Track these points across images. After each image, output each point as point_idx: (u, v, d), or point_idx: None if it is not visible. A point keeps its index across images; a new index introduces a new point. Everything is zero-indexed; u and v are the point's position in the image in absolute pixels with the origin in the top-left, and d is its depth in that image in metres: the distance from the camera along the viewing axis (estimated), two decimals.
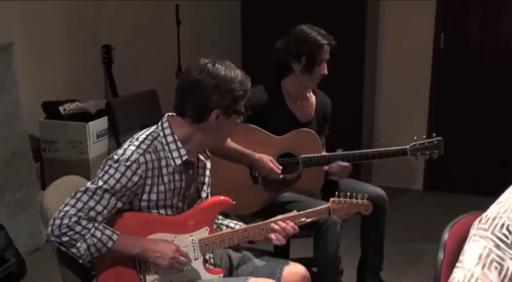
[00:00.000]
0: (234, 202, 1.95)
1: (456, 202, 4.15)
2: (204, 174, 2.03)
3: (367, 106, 4.34)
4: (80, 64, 4.48)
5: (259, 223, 1.97)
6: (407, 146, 2.62)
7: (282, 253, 2.66)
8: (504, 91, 4.28)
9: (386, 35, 4.48)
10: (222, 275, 1.95)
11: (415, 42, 4.43)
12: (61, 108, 3.90)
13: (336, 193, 2.06)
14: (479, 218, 1.38)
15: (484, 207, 1.42)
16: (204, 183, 2.03)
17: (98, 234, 1.74)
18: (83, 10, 4.49)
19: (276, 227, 1.94)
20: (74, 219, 1.72)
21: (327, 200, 2.49)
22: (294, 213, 2.00)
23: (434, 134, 2.64)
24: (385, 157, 2.65)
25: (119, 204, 1.80)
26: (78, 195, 1.76)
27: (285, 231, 1.95)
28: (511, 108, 4.29)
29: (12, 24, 3.78)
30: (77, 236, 1.72)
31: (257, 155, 2.60)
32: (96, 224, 1.75)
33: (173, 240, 1.87)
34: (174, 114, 1.90)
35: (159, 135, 1.87)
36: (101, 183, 1.76)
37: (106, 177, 1.77)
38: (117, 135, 3.92)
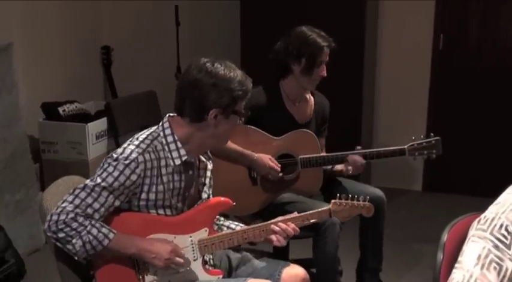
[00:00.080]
0: (234, 203, 1.95)
1: (455, 203, 4.16)
2: (204, 176, 2.03)
3: (366, 106, 4.34)
4: (79, 65, 4.49)
5: (259, 224, 1.97)
6: (406, 146, 2.63)
7: (281, 254, 2.66)
8: (503, 91, 4.29)
9: (385, 35, 4.48)
10: (221, 276, 1.95)
11: (414, 42, 4.43)
12: (60, 109, 3.90)
13: (338, 195, 2.05)
14: (478, 219, 1.38)
15: (483, 208, 1.42)
16: (204, 184, 2.03)
17: (94, 231, 1.74)
18: (82, 11, 4.49)
19: (277, 228, 1.94)
20: (70, 215, 1.73)
21: (327, 201, 2.49)
22: (295, 214, 2.00)
23: (432, 134, 2.65)
24: (383, 157, 2.65)
25: (117, 203, 1.80)
26: (77, 191, 1.77)
27: (285, 232, 1.94)
28: (511, 108, 4.29)
29: (11, 25, 3.79)
30: (73, 232, 1.73)
31: (256, 155, 2.60)
32: (93, 222, 1.75)
33: (172, 241, 1.87)
34: (175, 114, 1.90)
35: (159, 135, 1.87)
36: (99, 180, 1.77)
37: (104, 175, 1.77)
38: (116, 136, 3.92)
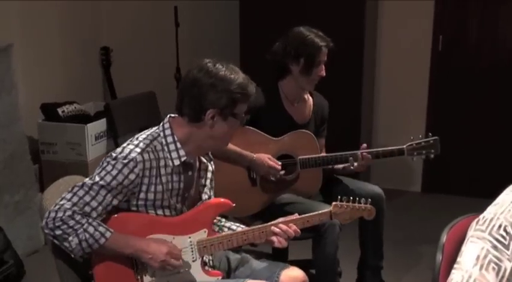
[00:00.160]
0: (234, 204, 1.95)
1: (454, 204, 4.16)
2: (205, 177, 2.03)
3: (365, 106, 4.34)
4: (79, 66, 4.49)
5: (259, 226, 1.96)
6: (404, 146, 2.63)
7: (280, 255, 2.67)
8: (503, 92, 4.29)
9: (384, 35, 4.49)
10: (220, 277, 1.94)
11: (414, 43, 4.44)
12: (59, 110, 3.90)
13: (339, 197, 2.04)
14: (476, 219, 1.38)
15: (482, 209, 1.42)
16: (205, 185, 2.03)
17: (91, 229, 1.74)
18: (81, 12, 4.50)
19: (277, 229, 1.94)
20: (68, 213, 1.73)
21: (325, 200, 2.49)
22: (295, 216, 2.00)
23: (430, 134, 2.65)
24: (382, 157, 2.65)
25: (115, 202, 1.80)
26: (75, 189, 1.77)
27: (286, 233, 1.94)
28: (510, 109, 4.30)
29: (11, 26, 3.79)
30: (70, 230, 1.73)
31: (255, 155, 2.60)
32: (90, 220, 1.75)
33: (171, 242, 1.87)
34: (176, 115, 1.90)
35: (159, 135, 1.87)
36: (97, 179, 1.77)
37: (103, 173, 1.78)
38: (115, 137, 3.92)
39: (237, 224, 2.09)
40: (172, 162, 1.86)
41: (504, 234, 1.32)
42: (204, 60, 1.86)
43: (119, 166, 1.78)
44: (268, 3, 4.21)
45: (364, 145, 2.68)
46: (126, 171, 1.78)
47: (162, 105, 4.27)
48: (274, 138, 2.66)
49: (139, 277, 1.85)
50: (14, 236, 3.25)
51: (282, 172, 2.63)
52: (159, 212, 1.88)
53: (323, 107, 2.85)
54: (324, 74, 2.65)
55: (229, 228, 2.06)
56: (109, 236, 1.77)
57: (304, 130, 2.70)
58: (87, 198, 1.76)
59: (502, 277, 1.29)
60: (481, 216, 1.38)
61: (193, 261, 1.90)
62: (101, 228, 1.76)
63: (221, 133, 1.88)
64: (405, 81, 4.52)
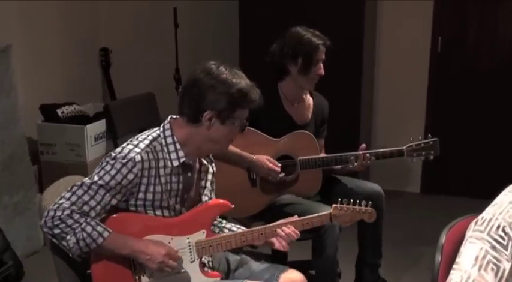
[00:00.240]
0: (233, 206, 1.94)
1: (453, 205, 4.16)
2: (206, 179, 2.03)
3: (365, 107, 4.35)
4: (78, 67, 4.49)
5: (259, 227, 1.96)
6: (404, 147, 2.63)
7: (280, 256, 2.67)
8: (501, 93, 4.29)
9: (383, 36, 4.49)
10: (219, 279, 1.94)
11: (413, 43, 4.44)
12: (59, 111, 3.90)
13: (339, 199, 2.03)
14: (475, 220, 1.39)
15: (481, 209, 1.42)
16: (205, 187, 2.03)
17: (89, 229, 1.74)
18: (80, 13, 4.50)
19: (281, 232, 1.93)
20: (66, 212, 1.74)
21: (325, 201, 2.48)
22: (295, 218, 2.00)
23: (430, 135, 2.66)
24: (382, 158, 2.66)
25: (114, 201, 1.81)
26: (74, 189, 1.78)
27: (288, 237, 1.94)
28: (509, 111, 4.30)
29: (10, 27, 3.79)
30: (68, 229, 1.74)
31: (254, 157, 2.61)
32: (88, 219, 1.76)
33: (169, 242, 1.87)
34: (178, 117, 1.91)
35: (159, 136, 1.88)
36: (96, 178, 1.78)
37: (102, 173, 1.78)
38: (115, 138, 3.92)
39: (238, 226, 2.08)
40: (172, 163, 1.86)
41: (503, 234, 1.32)
42: (210, 62, 1.87)
43: (118, 166, 1.78)
44: (268, 4, 4.22)
45: (363, 145, 2.68)
46: (124, 171, 1.78)
47: (161, 106, 4.27)
48: (274, 139, 2.66)
49: (137, 277, 1.85)
50: (13, 237, 3.25)
51: (282, 175, 2.63)
52: (158, 212, 1.88)
53: (323, 107, 2.85)
54: (323, 73, 2.65)
55: (229, 230, 2.05)
56: (107, 235, 1.77)
57: (304, 131, 2.70)
58: (86, 198, 1.76)
59: (501, 277, 1.29)
60: (479, 217, 1.38)
61: (192, 262, 1.90)
62: (98, 228, 1.76)
63: (219, 136, 1.87)
64: (404, 82, 4.53)
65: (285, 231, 1.94)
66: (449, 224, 1.60)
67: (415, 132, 4.01)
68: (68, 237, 1.74)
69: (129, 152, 1.80)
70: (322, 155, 2.74)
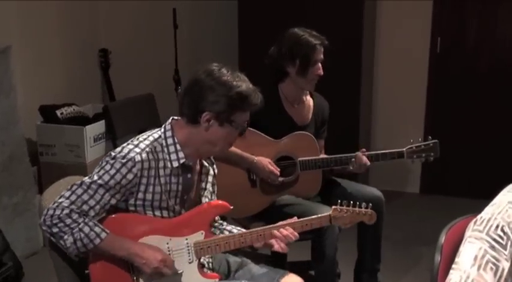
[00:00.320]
0: (232, 207, 1.94)
1: (453, 205, 4.15)
2: (206, 180, 2.03)
3: (364, 108, 4.35)
4: (77, 68, 4.49)
5: (258, 229, 1.95)
6: (404, 149, 2.63)
7: (279, 257, 2.67)
8: (501, 94, 4.30)
9: (383, 36, 4.49)
10: (217, 280, 1.94)
11: (412, 43, 4.44)
12: (58, 112, 3.90)
13: (339, 201, 2.02)
14: (474, 220, 1.39)
15: (480, 210, 1.42)
16: (205, 189, 2.02)
17: (86, 229, 1.75)
18: (80, 14, 4.50)
19: (278, 234, 1.93)
20: (66, 211, 1.74)
21: (324, 201, 2.47)
22: (294, 219, 1.99)
23: (430, 137, 2.66)
24: (382, 160, 2.66)
25: (113, 201, 1.81)
26: (74, 188, 1.78)
27: (286, 238, 1.93)
28: (508, 111, 4.30)
29: (9, 28, 3.79)
30: (66, 228, 1.74)
31: (255, 158, 2.61)
32: (86, 220, 1.76)
33: (168, 243, 1.87)
34: (179, 118, 1.91)
35: (160, 136, 1.88)
36: (95, 177, 1.78)
37: (101, 172, 1.79)
38: (114, 139, 3.92)
39: (239, 228, 2.08)
40: (171, 164, 1.86)
41: (501, 234, 1.32)
42: (213, 63, 1.87)
43: (117, 165, 1.78)
44: (267, 5, 4.22)
45: (363, 150, 2.68)
46: (124, 170, 1.78)
47: (160, 107, 4.27)
48: (274, 140, 2.66)
49: (135, 278, 1.85)
50: (12, 238, 3.25)
51: (281, 179, 2.63)
52: (157, 213, 1.88)
53: (323, 108, 2.85)
54: (322, 73, 2.64)
55: (230, 232, 2.05)
56: (104, 237, 1.77)
57: (304, 132, 2.70)
58: (85, 197, 1.77)
59: (500, 277, 1.29)
60: (478, 217, 1.39)
61: (190, 263, 1.90)
62: (96, 229, 1.76)
63: (217, 138, 1.87)
64: (403, 82, 4.53)
65: (282, 233, 1.93)
66: (448, 224, 1.60)
67: (415, 132, 4.02)
68: (66, 236, 1.74)
69: (129, 152, 1.81)
70: (323, 156, 2.74)
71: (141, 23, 4.81)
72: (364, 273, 2.88)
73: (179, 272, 1.88)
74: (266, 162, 2.60)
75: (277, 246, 1.94)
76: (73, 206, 1.75)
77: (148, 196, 1.85)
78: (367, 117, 4.54)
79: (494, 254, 1.31)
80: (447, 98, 4.43)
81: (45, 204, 1.87)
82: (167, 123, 1.91)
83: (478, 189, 4.14)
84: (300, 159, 2.65)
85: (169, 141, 1.87)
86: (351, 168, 2.64)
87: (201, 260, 1.96)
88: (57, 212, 1.74)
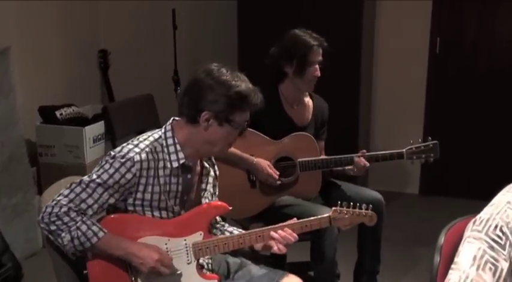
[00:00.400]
0: (231, 208, 1.94)
1: (452, 206, 4.15)
2: (206, 182, 2.02)
3: (363, 108, 4.35)
4: (77, 69, 4.49)
5: (257, 230, 1.95)
6: (404, 150, 2.63)
7: (278, 258, 2.66)
8: (500, 94, 4.30)
9: (382, 36, 4.49)
10: (216, 281, 1.93)
11: (411, 44, 4.44)
12: (57, 113, 3.90)
13: (339, 202, 2.01)
14: (473, 220, 1.39)
15: (480, 210, 1.42)
16: (205, 190, 2.02)
17: (84, 228, 1.75)
18: (79, 14, 4.50)
19: (276, 235, 1.92)
20: (64, 209, 1.74)
21: (325, 204, 2.47)
22: (294, 220, 1.99)
23: (429, 138, 2.66)
24: (382, 160, 2.66)
25: (112, 200, 1.81)
26: (73, 186, 1.78)
27: (285, 240, 1.93)
28: (507, 112, 4.31)
29: (8, 29, 3.79)
30: (64, 226, 1.74)
31: (255, 160, 2.60)
32: (84, 218, 1.76)
33: (166, 244, 1.87)
34: (180, 118, 1.91)
35: (160, 137, 1.88)
36: (94, 176, 1.79)
37: (101, 171, 1.79)
38: (113, 140, 3.92)
39: (240, 230, 2.07)
40: (171, 164, 1.86)
41: (500, 234, 1.32)
42: (212, 63, 1.87)
43: (117, 165, 1.79)
44: (266, 5, 4.22)
45: (363, 151, 2.68)
46: (123, 170, 1.79)
47: (160, 107, 4.27)
48: (274, 141, 2.66)
49: (133, 278, 1.85)
50: (12, 239, 3.24)
51: (279, 183, 2.63)
52: (156, 213, 1.88)
53: (323, 109, 2.85)
54: (319, 74, 2.63)
55: (230, 233, 2.04)
56: (101, 236, 1.77)
57: (304, 132, 2.70)
58: (84, 196, 1.77)
59: (499, 277, 1.29)
60: (477, 217, 1.39)
61: (189, 263, 1.89)
62: (94, 228, 1.76)
63: (216, 138, 1.86)
64: (403, 83, 4.53)
65: (281, 235, 1.92)
66: (447, 225, 1.60)
67: (414, 132, 4.02)
68: (63, 234, 1.74)
69: (128, 152, 1.81)
70: (322, 156, 2.74)
71: (140, 24, 4.81)
72: (364, 275, 2.87)
73: (178, 272, 1.87)
74: (265, 164, 2.60)
75: (276, 248, 1.93)
76: (71, 204, 1.75)
77: (147, 196, 1.85)
78: (367, 117, 4.54)
79: (493, 254, 1.31)
80: (446, 98, 4.43)
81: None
82: (168, 123, 1.91)
83: (478, 190, 4.13)
84: (300, 160, 2.65)
85: (170, 141, 1.87)
86: (351, 173, 2.65)
87: (201, 260, 1.96)
88: (55, 209, 1.74)
